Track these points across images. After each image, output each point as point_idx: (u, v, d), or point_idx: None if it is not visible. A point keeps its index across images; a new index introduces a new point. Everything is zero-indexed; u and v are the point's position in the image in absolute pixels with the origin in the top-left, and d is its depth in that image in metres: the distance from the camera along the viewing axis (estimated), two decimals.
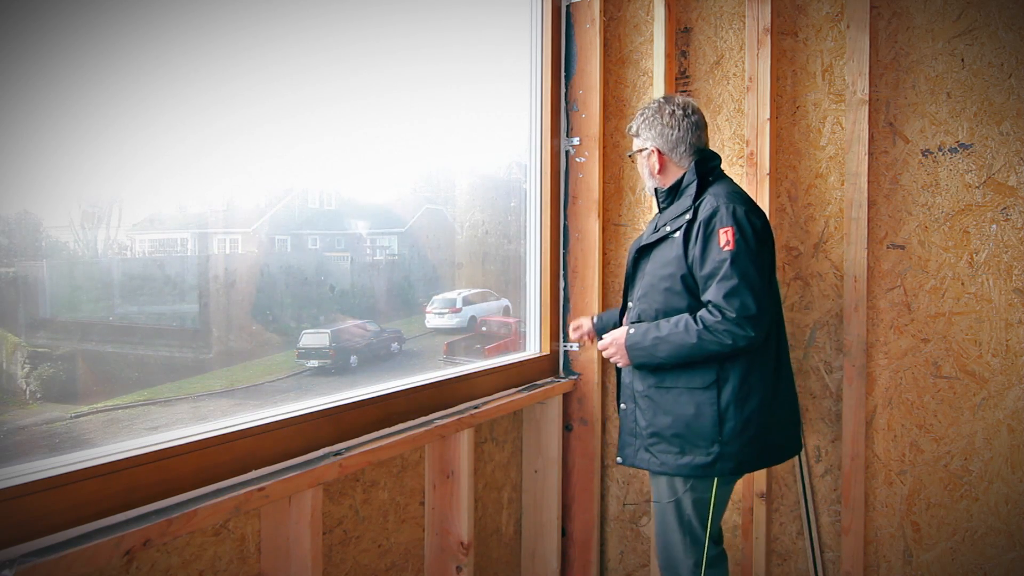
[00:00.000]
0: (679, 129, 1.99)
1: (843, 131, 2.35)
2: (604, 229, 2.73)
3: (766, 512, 2.43)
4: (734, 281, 1.79)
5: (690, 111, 2.02)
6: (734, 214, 1.84)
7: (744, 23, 2.48)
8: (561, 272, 2.77)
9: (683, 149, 2.00)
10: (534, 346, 2.73)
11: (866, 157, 2.28)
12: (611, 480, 2.77)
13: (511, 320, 2.79)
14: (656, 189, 2.09)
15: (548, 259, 2.71)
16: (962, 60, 2.18)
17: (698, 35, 2.59)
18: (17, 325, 1.34)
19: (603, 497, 2.78)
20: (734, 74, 2.52)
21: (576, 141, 2.72)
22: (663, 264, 1.95)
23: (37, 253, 1.35)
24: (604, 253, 2.74)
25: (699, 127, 2.02)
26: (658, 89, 2.57)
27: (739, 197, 1.91)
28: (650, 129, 2.03)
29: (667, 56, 2.56)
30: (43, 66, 1.30)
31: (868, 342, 2.31)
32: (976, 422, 2.18)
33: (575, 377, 2.73)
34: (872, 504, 2.34)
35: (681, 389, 1.91)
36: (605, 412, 2.75)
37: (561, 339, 2.77)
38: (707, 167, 1.99)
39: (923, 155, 2.25)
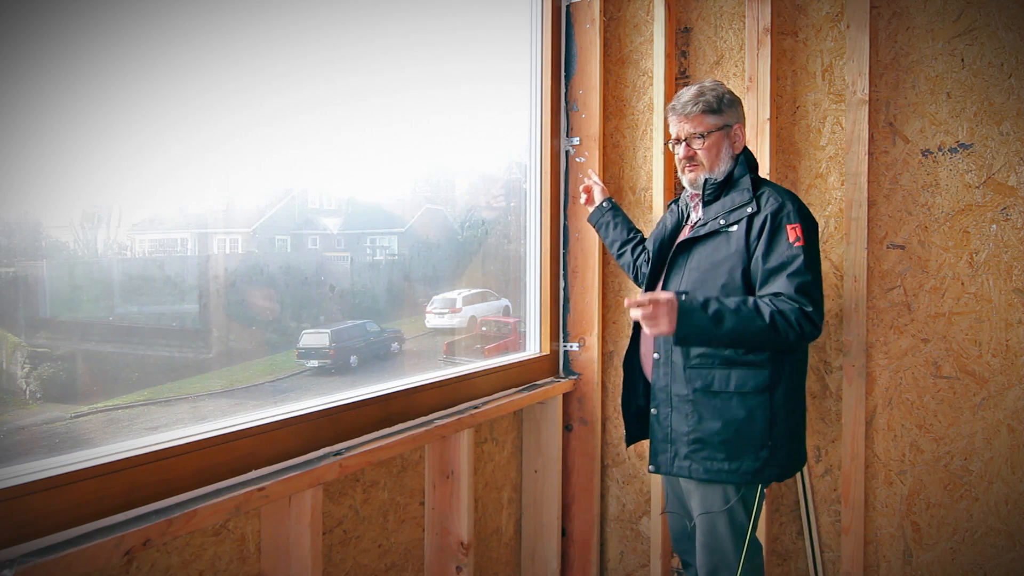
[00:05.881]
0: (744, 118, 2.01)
1: (843, 131, 2.35)
2: None
3: (766, 512, 2.43)
4: (808, 277, 1.78)
5: None
6: (799, 211, 1.85)
7: (744, 23, 2.48)
8: (561, 272, 2.77)
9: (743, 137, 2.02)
10: (534, 346, 2.73)
11: (866, 157, 2.28)
12: (611, 480, 2.77)
13: (511, 320, 2.79)
14: (706, 180, 1.96)
15: (548, 259, 2.71)
16: (962, 60, 2.18)
17: (698, 35, 2.59)
18: (17, 325, 1.34)
19: (603, 497, 2.78)
20: (734, 74, 2.51)
21: (576, 141, 2.72)
22: (719, 258, 1.90)
23: (37, 253, 1.35)
24: (604, 253, 2.74)
25: None
26: (658, 89, 2.57)
27: (795, 196, 1.92)
28: (734, 107, 1.98)
29: (667, 56, 2.56)
30: (43, 67, 1.30)
31: (868, 342, 2.31)
32: (976, 422, 2.18)
33: (575, 377, 2.73)
34: (872, 504, 2.34)
35: (732, 394, 1.85)
36: (605, 412, 2.75)
37: (561, 339, 2.77)
38: (754, 161, 2.00)
39: (923, 155, 2.24)
